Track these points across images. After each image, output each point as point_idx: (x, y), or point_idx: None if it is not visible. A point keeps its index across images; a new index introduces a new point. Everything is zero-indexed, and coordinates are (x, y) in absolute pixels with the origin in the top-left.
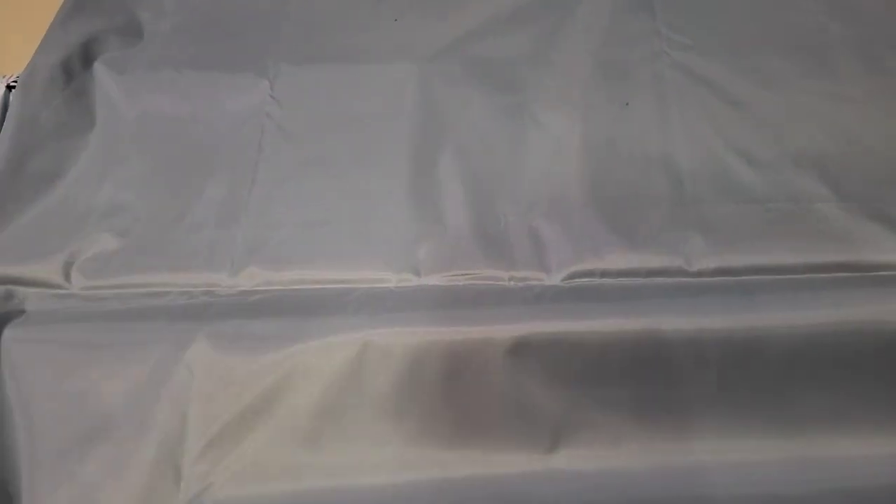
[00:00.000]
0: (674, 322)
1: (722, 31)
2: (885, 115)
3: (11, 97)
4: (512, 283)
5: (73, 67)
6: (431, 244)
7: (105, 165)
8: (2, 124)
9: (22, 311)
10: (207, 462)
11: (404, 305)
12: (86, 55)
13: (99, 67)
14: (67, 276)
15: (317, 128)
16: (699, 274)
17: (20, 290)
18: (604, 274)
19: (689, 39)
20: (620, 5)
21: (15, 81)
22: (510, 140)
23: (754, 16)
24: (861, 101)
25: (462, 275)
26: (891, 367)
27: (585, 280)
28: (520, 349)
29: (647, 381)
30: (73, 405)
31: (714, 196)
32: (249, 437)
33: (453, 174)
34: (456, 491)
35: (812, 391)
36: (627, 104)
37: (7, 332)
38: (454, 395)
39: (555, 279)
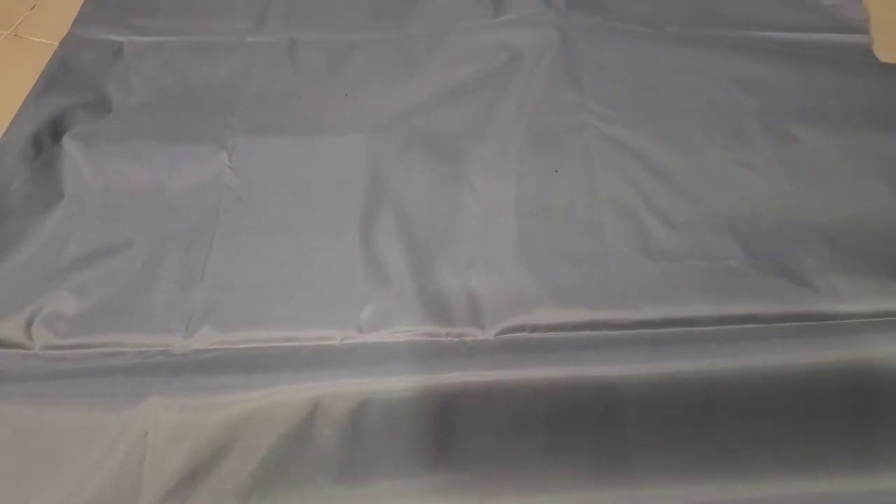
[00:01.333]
0: (596, 370)
1: (644, 104)
2: (788, 180)
3: None
4: (448, 338)
5: (42, 141)
6: (374, 304)
7: (70, 231)
8: None
9: None
10: None
11: (347, 361)
12: (55, 129)
13: (67, 141)
14: (29, 336)
15: (271, 196)
16: (620, 326)
17: None
18: (533, 329)
19: (613, 112)
20: (551, 81)
21: None
22: (449, 206)
23: (674, 90)
24: (767, 167)
25: (403, 331)
26: (798, 409)
27: (516, 335)
28: (455, 399)
29: (577, 426)
30: (29, 460)
31: (635, 255)
32: (201, 489)
33: (396, 238)
34: None
35: (730, 433)
36: (557, 171)
37: None
38: (394, 445)
39: (488, 334)
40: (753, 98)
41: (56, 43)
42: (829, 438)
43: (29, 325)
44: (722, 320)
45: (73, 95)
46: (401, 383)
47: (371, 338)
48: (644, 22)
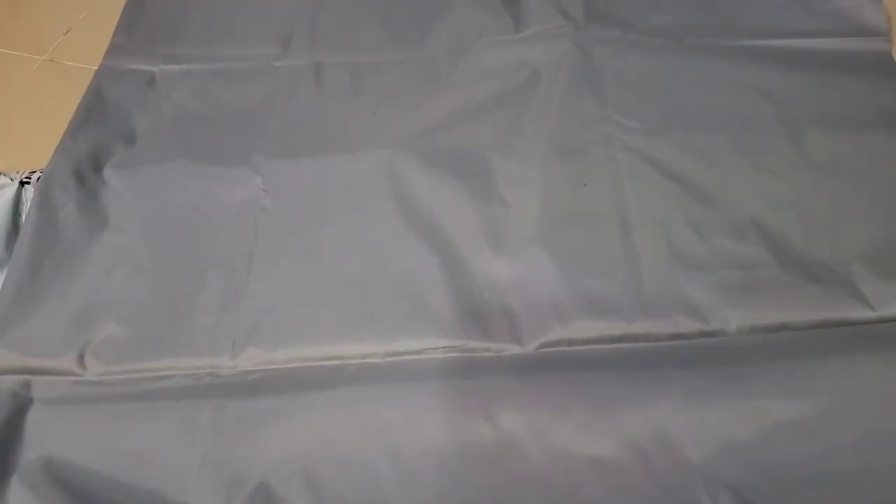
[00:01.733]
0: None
1: (667, 115)
2: (813, 185)
3: (25, 195)
4: (488, 353)
5: (84, 172)
6: (413, 320)
7: (115, 260)
8: (14, 217)
9: (40, 399)
10: None
11: (392, 378)
12: (95, 161)
13: (108, 171)
14: (82, 365)
15: (306, 217)
16: (656, 338)
17: (37, 378)
18: (571, 343)
19: (637, 123)
20: (574, 94)
21: (27, 178)
22: (479, 219)
23: (695, 100)
24: (791, 173)
25: (442, 347)
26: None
27: (554, 349)
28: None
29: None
30: (89, 479)
31: (667, 265)
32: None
33: (429, 253)
34: None
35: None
36: (585, 185)
37: (30, 416)
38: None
39: (528, 348)
40: (774, 105)
41: (90, 67)
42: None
43: (81, 355)
44: (755, 330)
45: (110, 127)
46: (444, 401)
47: (413, 356)
48: (663, 34)
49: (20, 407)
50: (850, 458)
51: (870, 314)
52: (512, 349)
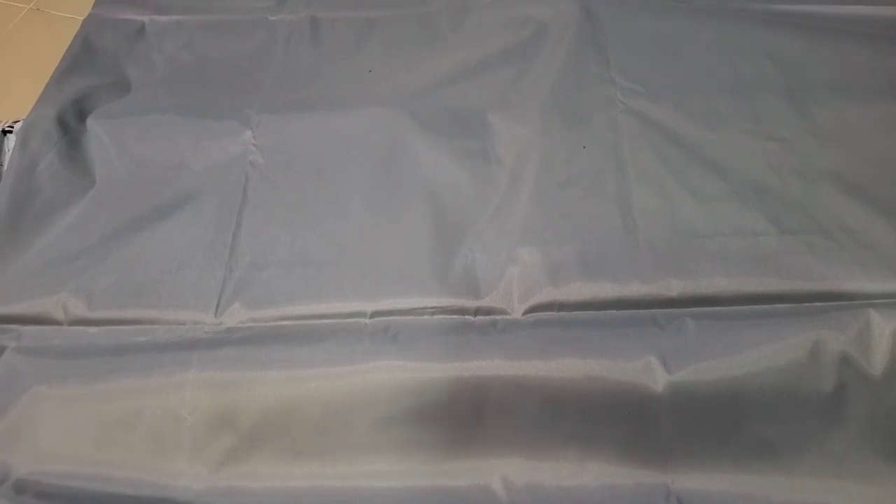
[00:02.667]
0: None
1: (671, 78)
2: (818, 152)
3: (6, 144)
4: (478, 317)
5: (67, 121)
6: (403, 279)
7: (98, 210)
8: None
9: (15, 347)
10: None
11: (376, 337)
12: (79, 110)
13: (92, 121)
14: (63, 314)
15: (297, 174)
16: (648, 304)
17: (16, 327)
18: (561, 307)
19: (640, 86)
20: (576, 54)
21: (10, 127)
22: (474, 180)
23: (698, 63)
24: (796, 140)
25: (431, 308)
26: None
27: (545, 314)
28: (484, 383)
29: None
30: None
31: (664, 229)
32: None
33: (422, 213)
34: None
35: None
36: (584, 147)
37: (4, 363)
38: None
39: (518, 310)
40: (782, 71)
41: (77, 17)
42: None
43: (60, 301)
44: (751, 299)
45: (96, 76)
46: (431, 368)
47: (400, 314)
48: None
49: None
50: None
51: (869, 288)
52: (502, 310)
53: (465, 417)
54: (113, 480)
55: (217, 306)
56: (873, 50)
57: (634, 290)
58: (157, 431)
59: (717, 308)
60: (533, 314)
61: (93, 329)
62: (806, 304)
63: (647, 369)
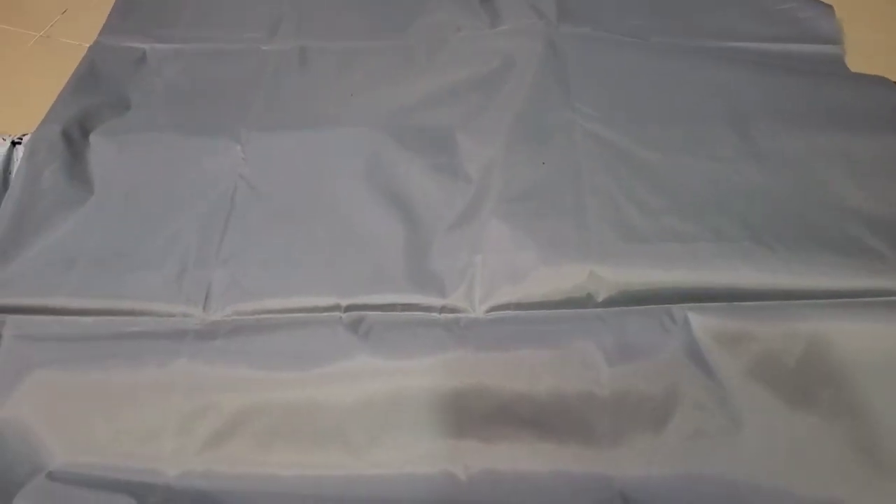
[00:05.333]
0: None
1: (626, 107)
2: (756, 170)
3: (15, 154)
4: (443, 314)
5: (71, 135)
6: (374, 281)
7: (96, 216)
8: (4, 175)
9: (15, 336)
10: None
11: (352, 331)
12: (83, 126)
13: (95, 137)
14: (60, 305)
15: (281, 184)
16: (598, 304)
17: (14, 317)
18: (518, 306)
19: (597, 112)
20: (540, 83)
21: (19, 139)
22: (444, 194)
23: (651, 93)
24: (736, 161)
25: (401, 305)
26: None
27: (503, 312)
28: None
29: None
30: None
31: (614, 238)
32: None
33: (395, 220)
34: None
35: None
36: (544, 163)
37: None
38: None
39: (478, 312)
40: (727, 101)
41: (84, 45)
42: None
43: (58, 294)
44: (693, 296)
45: (99, 96)
46: (400, 358)
47: (373, 309)
48: (631, 33)
49: None
50: None
51: (800, 286)
52: (465, 309)
53: (430, 405)
54: (99, 467)
55: (205, 301)
56: (811, 82)
57: (583, 289)
58: (146, 415)
59: (655, 306)
60: (493, 312)
61: (87, 319)
62: (740, 304)
63: (592, 362)
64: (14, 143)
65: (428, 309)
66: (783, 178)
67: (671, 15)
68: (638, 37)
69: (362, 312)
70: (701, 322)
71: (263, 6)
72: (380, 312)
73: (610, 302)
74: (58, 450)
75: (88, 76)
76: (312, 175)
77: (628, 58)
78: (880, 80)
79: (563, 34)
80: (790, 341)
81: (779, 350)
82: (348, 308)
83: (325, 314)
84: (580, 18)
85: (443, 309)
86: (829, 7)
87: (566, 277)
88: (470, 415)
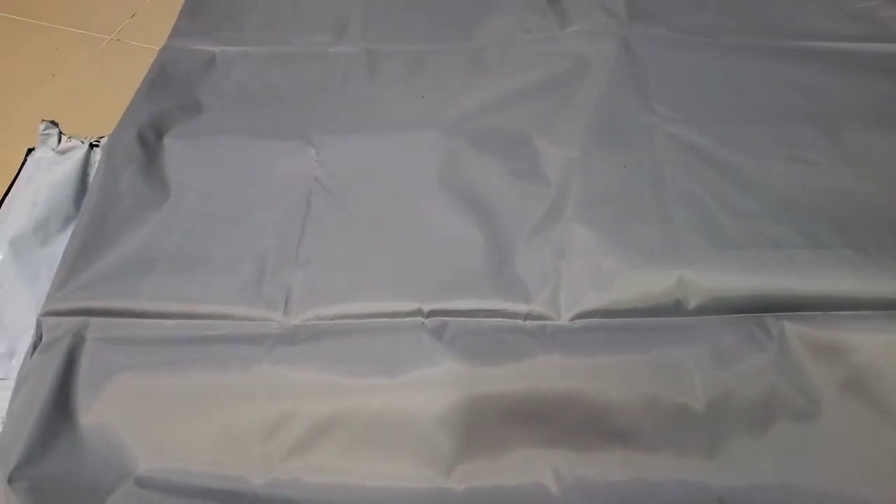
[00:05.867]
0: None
1: (705, 107)
2: (848, 173)
3: (93, 157)
4: (528, 321)
5: (147, 139)
6: (455, 286)
7: (173, 219)
8: (83, 177)
9: (99, 338)
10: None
11: (435, 337)
12: (157, 129)
13: (169, 139)
14: (142, 309)
15: (357, 189)
16: (689, 313)
17: (97, 320)
18: (605, 314)
19: (678, 114)
20: (617, 84)
21: (96, 142)
22: (523, 199)
23: (734, 94)
24: (825, 163)
25: (485, 311)
26: None
27: (590, 320)
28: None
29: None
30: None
31: (703, 243)
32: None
33: (474, 225)
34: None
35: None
36: (625, 167)
37: (87, 353)
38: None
39: (564, 319)
40: (811, 102)
41: (153, 47)
42: None
43: (139, 297)
44: (789, 305)
45: (171, 99)
46: (486, 365)
47: (455, 315)
48: (704, 33)
49: (77, 345)
50: None
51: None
52: (550, 316)
53: (518, 413)
54: (185, 473)
55: (285, 305)
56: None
57: (672, 296)
58: (229, 421)
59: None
60: (580, 320)
61: (168, 322)
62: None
63: (685, 371)
64: (92, 146)
65: (512, 315)
66: (878, 182)
67: (742, 13)
68: (712, 37)
69: (444, 318)
70: (798, 332)
71: (329, 9)
72: (463, 318)
73: (701, 310)
74: (142, 455)
75: (160, 80)
76: (386, 178)
77: (705, 57)
78: None
79: (637, 34)
80: (891, 353)
81: (879, 362)
82: (430, 313)
83: (407, 319)
84: (652, 18)
85: (527, 316)
86: None
87: (654, 283)
88: (559, 424)
